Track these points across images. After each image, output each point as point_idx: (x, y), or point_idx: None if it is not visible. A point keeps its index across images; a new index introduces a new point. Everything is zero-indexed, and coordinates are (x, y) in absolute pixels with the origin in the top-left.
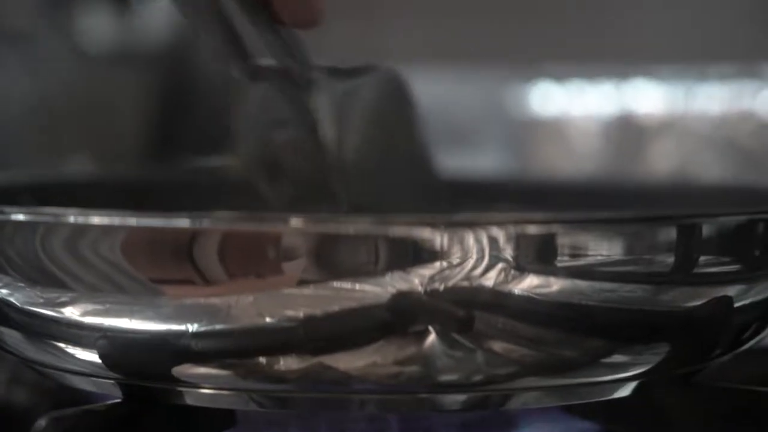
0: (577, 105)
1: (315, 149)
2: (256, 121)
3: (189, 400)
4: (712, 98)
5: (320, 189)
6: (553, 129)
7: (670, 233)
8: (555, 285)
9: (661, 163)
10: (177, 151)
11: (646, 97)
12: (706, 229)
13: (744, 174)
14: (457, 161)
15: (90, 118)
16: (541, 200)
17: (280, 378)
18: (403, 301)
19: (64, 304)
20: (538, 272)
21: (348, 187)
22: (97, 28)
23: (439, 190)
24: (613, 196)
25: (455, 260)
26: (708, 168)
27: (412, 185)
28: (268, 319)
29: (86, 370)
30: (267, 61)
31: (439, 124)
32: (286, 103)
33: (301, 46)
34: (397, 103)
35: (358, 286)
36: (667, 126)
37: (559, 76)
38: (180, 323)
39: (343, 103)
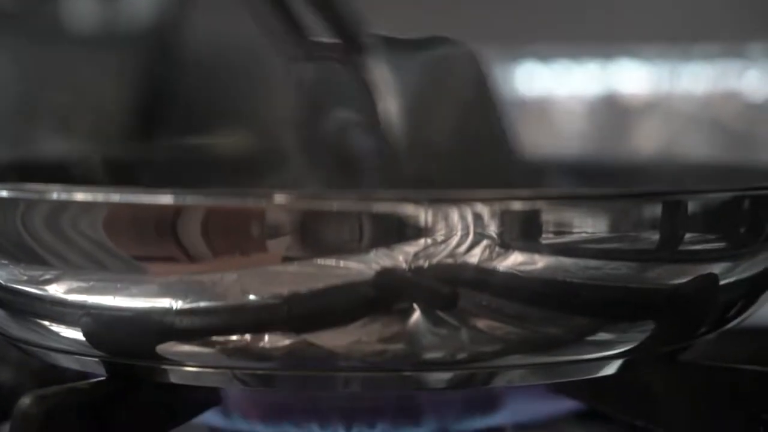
0: (562, 85)
1: (376, 129)
2: (314, 101)
3: (173, 378)
4: (698, 78)
5: (383, 171)
6: (539, 108)
7: (655, 210)
8: (540, 262)
9: (647, 142)
10: (162, 130)
11: (632, 77)
12: (692, 206)
13: (729, 153)
14: None
15: (74, 97)
16: (526, 178)
17: (265, 356)
18: (387, 278)
19: (48, 282)
20: (522, 249)
21: (413, 169)
22: (81, 6)
23: (513, 172)
24: (598, 174)
25: (440, 237)
26: (693, 147)
27: (484, 167)
28: (252, 297)
29: (70, 348)
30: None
31: None
32: (345, 80)
33: (358, 21)
34: (473, 82)
35: (342, 263)
36: (652, 105)
37: (545, 56)
38: (164, 301)
39: (405, 77)
